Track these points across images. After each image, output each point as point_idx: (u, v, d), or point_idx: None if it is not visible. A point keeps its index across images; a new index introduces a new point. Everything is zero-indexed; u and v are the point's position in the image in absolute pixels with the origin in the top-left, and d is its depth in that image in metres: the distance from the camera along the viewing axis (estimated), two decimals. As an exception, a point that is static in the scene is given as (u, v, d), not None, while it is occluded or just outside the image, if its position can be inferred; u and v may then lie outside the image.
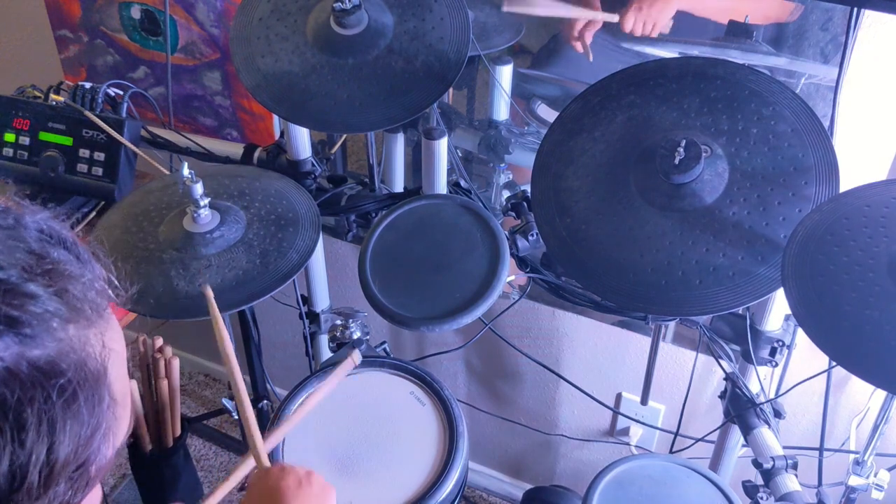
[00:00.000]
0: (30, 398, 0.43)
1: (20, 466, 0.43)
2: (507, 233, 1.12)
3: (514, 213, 1.22)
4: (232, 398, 1.42)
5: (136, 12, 1.69)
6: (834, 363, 1.18)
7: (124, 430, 0.52)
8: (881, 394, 1.26)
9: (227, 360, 0.92)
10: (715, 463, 1.37)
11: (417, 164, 1.39)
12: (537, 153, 1.10)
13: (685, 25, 1.28)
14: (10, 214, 0.48)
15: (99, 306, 0.49)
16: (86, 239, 0.52)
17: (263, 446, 0.90)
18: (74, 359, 0.46)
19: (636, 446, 1.79)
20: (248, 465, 0.90)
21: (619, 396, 1.77)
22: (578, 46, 1.36)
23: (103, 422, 0.48)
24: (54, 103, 1.39)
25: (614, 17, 1.30)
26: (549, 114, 1.46)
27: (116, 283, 0.53)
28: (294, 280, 1.51)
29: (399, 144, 1.58)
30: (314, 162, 1.37)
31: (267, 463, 0.89)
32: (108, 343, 0.50)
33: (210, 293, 0.95)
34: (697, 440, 1.44)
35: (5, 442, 0.43)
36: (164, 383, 1.10)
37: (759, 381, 1.25)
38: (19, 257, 0.46)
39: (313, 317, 1.58)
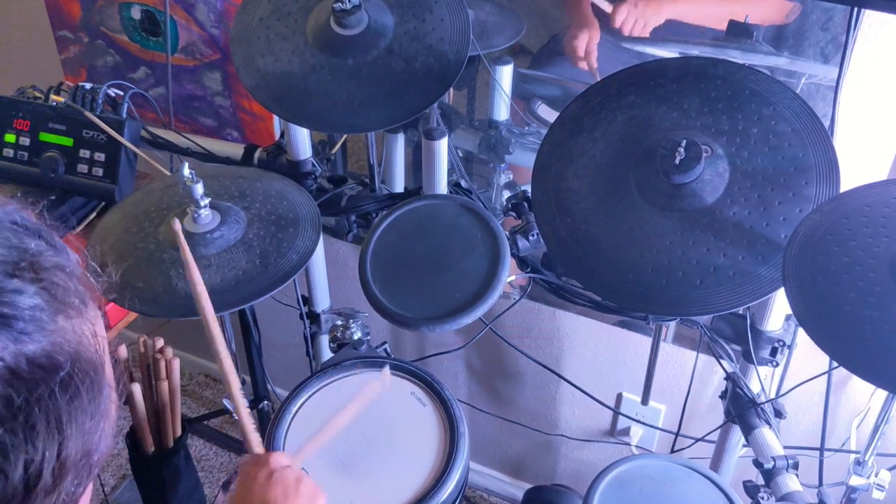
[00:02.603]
0: (36, 397, 0.43)
1: (35, 467, 0.43)
2: (507, 233, 1.12)
3: (514, 214, 1.22)
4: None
5: (136, 13, 1.69)
6: (835, 363, 1.18)
7: (115, 414, 0.52)
8: (882, 393, 1.26)
9: (200, 303, 0.87)
10: (716, 463, 1.37)
11: (418, 164, 1.39)
12: (537, 153, 1.10)
13: (683, 27, 1.28)
14: None
15: (83, 295, 0.48)
16: (51, 225, 0.51)
17: (253, 431, 0.87)
18: (69, 350, 0.45)
19: (637, 446, 1.79)
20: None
21: (619, 396, 1.77)
22: (584, 66, 1.36)
23: (103, 410, 0.48)
24: (54, 104, 1.39)
25: (608, 7, 1.29)
26: (549, 114, 1.46)
27: (98, 268, 0.52)
28: (295, 280, 1.51)
29: (399, 145, 1.58)
30: (314, 162, 1.37)
31: (259, 448, 0.87)
32: (98, 331, 0.49)
33: (178, 227, 0.92)
34: (698, 440, 1.44)
35: (19, 443, 0.42)
36: (165, 384, 1.10)
37: (760, 380, 1.25)
38: (1, 253, 0.45)
39: (314, 317, 1.58)
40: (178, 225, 0.92)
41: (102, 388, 0.48)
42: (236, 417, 0.89)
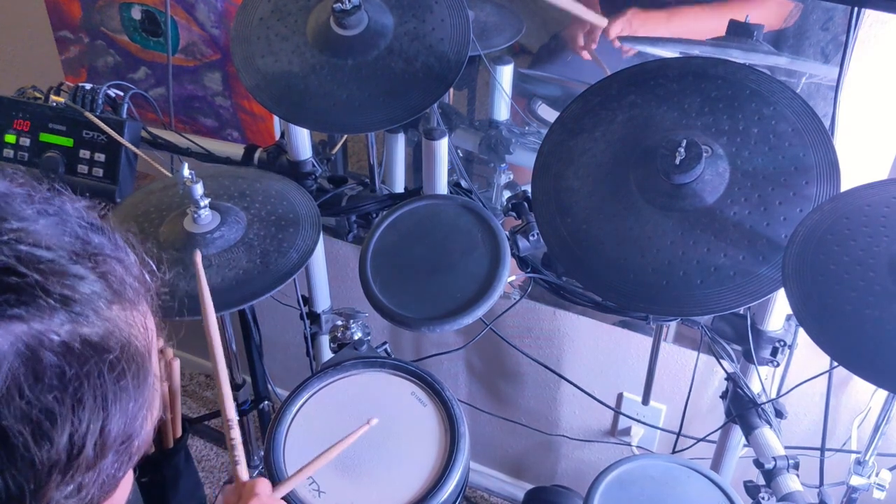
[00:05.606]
0: (86, 372, 0.45)
1: (79, 437, 0.45)
2: (507, 233, 1.11)
3: (514, 213, 1.22)
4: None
5: (136, 13, 1.69)
6: (835, 363, 1.18)
7: (159, 408, 0.54)
8: (882, 393, 1.26)
9: (210, 336, 0.92)
10: (716, 463, 1.37)
11: (418, 164, 1.39)
12: (538, 153, 1.10)
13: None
14: (55, 202, 0.50)
15: (138, 290, 0.52)
16: (114, 228, 0.55)
17: (242, 458, 0.89)
18: (120, 338, 0.48)
19: (637, 446, 1.79)
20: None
21: (620, 396, 1.77)
22: (586, 55, 1.36)
23: (147, 398, 0.51)
24: (55, 104, 1.39)
25: (602, 21, 1.30)
26: (549, 114, 1.46)
27: (154, 267, 0.56)
28: (295, 281, 1.51)
29: (400, 145, 1.58)
30: (315, 162, 1.37)
31: (245, 475, 0.88)
32: (149, 325, 0.53)
33: (198, 258, 0.95)
34: (699, 440, 1.44)
35: (66, 413, 0.45)
36: (165, 384, 1.10)
37: (761, 380, 1.25)
38: (67, 241, 0.48)
39: (314, 317, 1.58)
40: (198, 257, 0.94)
41: (147, 376, 0.51)
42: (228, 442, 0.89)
